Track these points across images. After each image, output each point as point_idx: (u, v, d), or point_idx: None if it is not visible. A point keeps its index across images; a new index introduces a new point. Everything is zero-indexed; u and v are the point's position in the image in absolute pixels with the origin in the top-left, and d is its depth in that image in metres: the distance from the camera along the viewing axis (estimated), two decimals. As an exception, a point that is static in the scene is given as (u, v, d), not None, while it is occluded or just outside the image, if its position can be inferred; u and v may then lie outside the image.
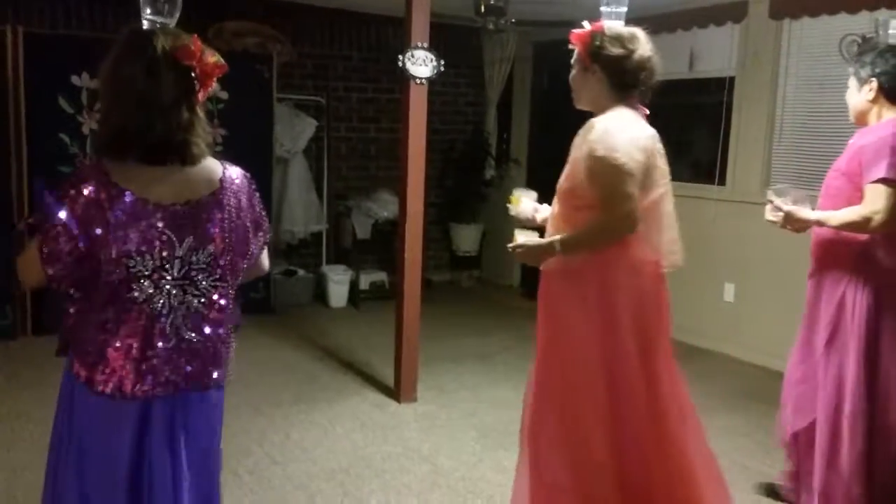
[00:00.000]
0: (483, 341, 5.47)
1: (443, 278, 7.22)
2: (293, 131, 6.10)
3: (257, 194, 1.87)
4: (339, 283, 6.29)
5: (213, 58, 1.69)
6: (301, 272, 6.41)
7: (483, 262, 7.39)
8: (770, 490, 3.23)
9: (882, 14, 4.11)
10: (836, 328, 2.74)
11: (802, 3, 4.70)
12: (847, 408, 2.69)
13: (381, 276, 6.52)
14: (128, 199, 1.63)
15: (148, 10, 1.71)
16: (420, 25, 3.95)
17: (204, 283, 1.75)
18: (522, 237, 2.46)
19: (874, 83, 2.70)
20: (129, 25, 1.74)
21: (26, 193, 5.05)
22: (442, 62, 4.01)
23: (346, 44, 6.56)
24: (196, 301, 1.75)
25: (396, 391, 4.27)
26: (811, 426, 2.83)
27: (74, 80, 5.13)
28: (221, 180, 1.77)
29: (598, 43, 2.34)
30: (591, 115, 2.44)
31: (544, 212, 2.67)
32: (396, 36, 5.70)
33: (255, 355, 4.75)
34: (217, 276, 1.76)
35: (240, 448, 3.53)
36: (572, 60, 2.45)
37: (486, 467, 3.50)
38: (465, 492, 3.28)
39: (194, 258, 1.72)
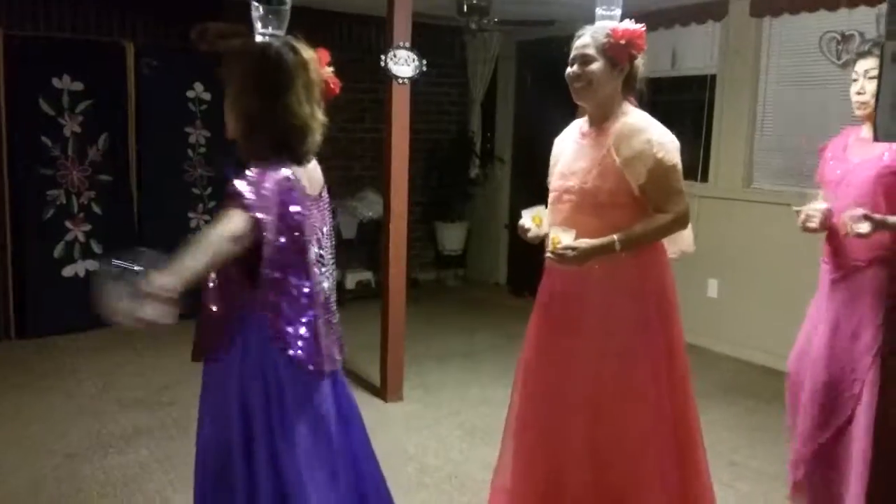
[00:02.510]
0: (469, 340, 5.48)
1: (428, 277, 7.23)
2: (277, 132, 6.07)
3: None
4: (324, 283, 6.27)
5: (329, 69, 1.94)
6: (287, 272, 6.38)
7: (468, 260, 7.40)
8: None
9: (876, 9, 4.08)
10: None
11: (783, 0, 4.74)
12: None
13: (367, 276, 6.53)
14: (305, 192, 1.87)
15: (260, 26, 1.87)
16: (402, 25, 3.95)
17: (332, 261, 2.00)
18: (566, 237, 2.34)
19: None
20: (255, 43, 1.87)
21: (7, 193, 5.03)
22: (424, 62, 4.02)
23: (329, 43, 6.48)
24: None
25: (382, 390, 4.27)
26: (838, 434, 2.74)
27: (55, 82, 5.11)
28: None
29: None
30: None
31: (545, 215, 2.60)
32: (380, 36, 5.70)
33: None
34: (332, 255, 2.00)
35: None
36: (591, 53, 2.40)
37: (473, 466, 3.51)
38: (451, 490, 3.28)
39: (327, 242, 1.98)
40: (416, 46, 3.99)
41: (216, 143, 5.51)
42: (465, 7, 4.99)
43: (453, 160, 7.12)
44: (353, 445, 2.06)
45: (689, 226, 2.48)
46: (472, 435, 3.85)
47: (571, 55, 2.48)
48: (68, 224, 5.22)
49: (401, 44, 3.94)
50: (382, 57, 3.93)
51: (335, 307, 1.98)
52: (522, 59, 6.96)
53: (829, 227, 2.73)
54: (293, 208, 1.81)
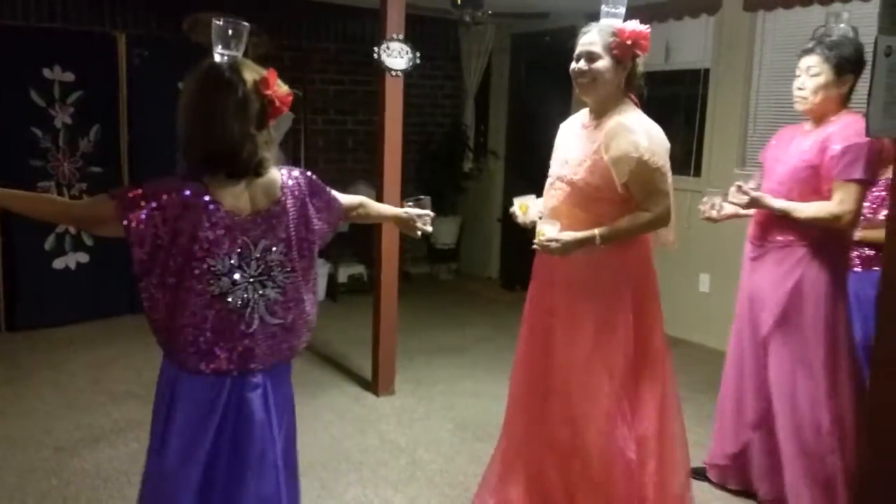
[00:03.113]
0: (461, 334, 5.48)
1: (421, 271, 7.22)
2: (269, 124, 6.05)
3: (319, 184, 2.11)
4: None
5: (283, 88, 1.94)
6: (279, 266, 6.37)
7: (461, 254, 7.39)
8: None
9: (836, 6, 4.26)
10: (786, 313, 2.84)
11: (776, -5, 4.73)
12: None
13: (359, 269, 6.51)
14: (221, 211, 1.87)
15: (220, 47, 1.89)
16: (395, 17, 3.94)
17: (280, 277, 1.98)
18: (551, 230, 2.47)
19: (850, 78, 2.75)
20: (207, 61, 1.91)
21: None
22: (418, 54, 4.00)
23: (322, 36, 6.52)
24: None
25: (374, 384, 4.27)
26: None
27: (46, 73, 5.08)
28: (282, 187, 1.98)
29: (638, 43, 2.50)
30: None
31: (539, 205, 2.74)
32: (373, 28, 5.68)
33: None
34: (289, 269, 1.99)
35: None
36: (597, 51, 2.49)
37: (464, 459, 3.51)
38: (442, 484, 3.28)
39: (269, 257, 1.95)
40: (410, 39, 3.98)
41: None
42: (459, -1, 4.98)
43: (446, 153, 7.10)
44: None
45: (672, 221, 2.57)
46: (464, 429, 3.85)
47: (577, 51, 2.56)
48: (59, 216, 5.19)
49: (394, 36, 3.93)
50: (375, 49, 3.91)
51: (253, 323, 1.93)
52: (517, 52, 6.94)
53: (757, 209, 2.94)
54: (182, 224, 1.84)
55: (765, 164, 3.03)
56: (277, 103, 1.91)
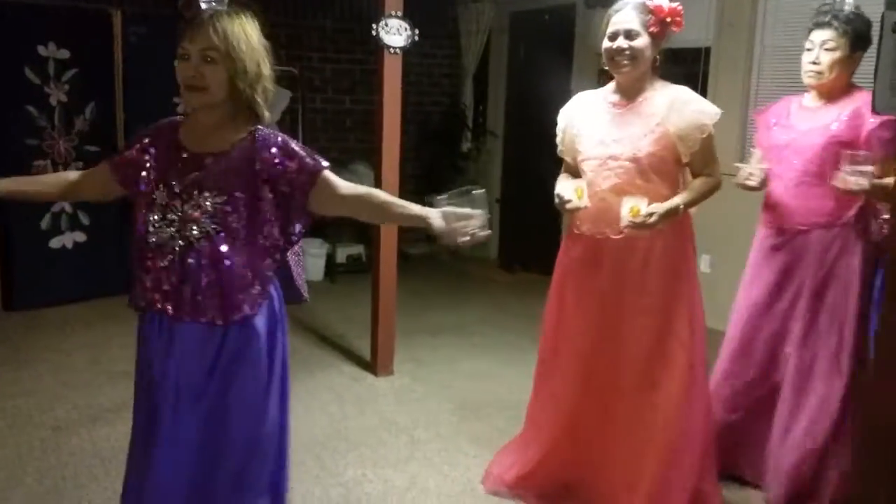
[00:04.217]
0: (460, 314, 5.47)
1: (420, 251, 7.18)
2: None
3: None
4: (315, 256, 6.25)
5: None
6: (277, 246, 6.34)
7: (460, 234, 7.36)
8: None
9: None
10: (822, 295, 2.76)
11: (779, -28, 4.68)
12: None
13: (357, 249, 6.49)
14: None
15: None
16: (394, -6, 3.89)
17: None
18: (643, 205, 2.47)
19: (860, 54, 2.71)
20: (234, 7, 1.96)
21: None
22: (416, 31, 3.96)
23: (319, 13, 6.46)
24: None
25: (373, 364, 4.26)
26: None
27: (41, 50, 5.02)
28: None
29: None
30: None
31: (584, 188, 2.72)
32: (371, 5, 5.62)
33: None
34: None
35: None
36: (636, 28, 2.53)
37: (463, 439, 3.51)
38: (441, 464, 3.28)
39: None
40: (408, 16, 3.93)
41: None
42: (459, -24, 4.93)
43: (445, 133, 7.06)
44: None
45: None
46: (463, 408, 3.85)
47: (611, 29, 2.58)
48: (55, 195, 5.16)
49: (392, 13, 3.88)
50: (374, 26, 3.87)
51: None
52: (515, 31, 6.87)
53: (770, 193, 2.87)
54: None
55: (773, 148, 2.89)
56: None
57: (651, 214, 2.45)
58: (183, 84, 1.89)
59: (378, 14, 3.90)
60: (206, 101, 1.90)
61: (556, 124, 2.87)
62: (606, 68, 2.67)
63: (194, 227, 1.89)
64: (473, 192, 1.98)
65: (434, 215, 1.96)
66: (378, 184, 4.08)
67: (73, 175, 2.19)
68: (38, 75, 5.02)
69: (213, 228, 1.90)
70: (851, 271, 2.72)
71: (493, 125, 7.14)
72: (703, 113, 2.54)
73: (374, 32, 3.86)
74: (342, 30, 6.60)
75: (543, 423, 2.91)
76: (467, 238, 1.95)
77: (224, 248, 1.91)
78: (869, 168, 2.50)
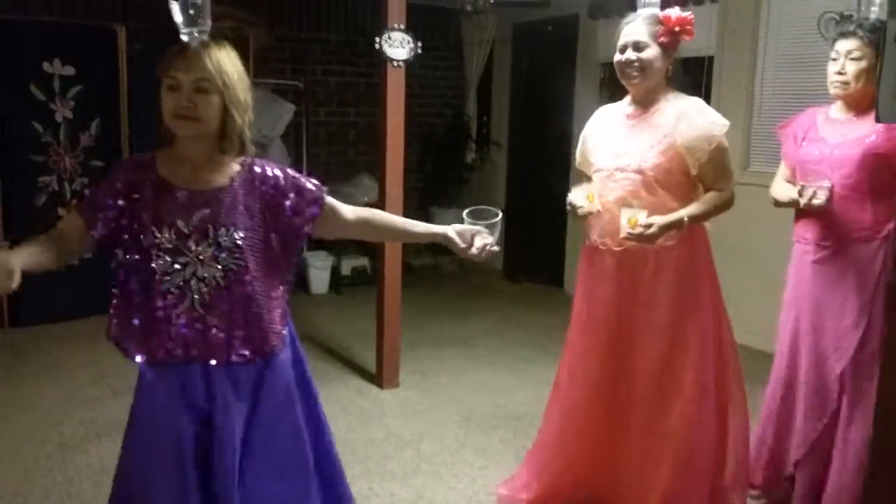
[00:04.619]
0: (464, 325, 5.46)
1: (424, 263, 7.19)
2: (271, 116, 6.03)
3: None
4: (320, 269, 6.26)
5: None
6: (282, 259, 6.35)
7: (465, 245, 7.35)
8: None
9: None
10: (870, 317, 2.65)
11: (781, -19, 4.69)
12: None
13: (362, 262, 6.49)
14: None
15: (185, 27, 1.84)
16: (396, 7, 3.90)
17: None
18: (643, 216, 2.46)
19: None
20: (221, 39, 1.90)
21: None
22: (420, 44, 3.97)
23: (324, 27, 6.49)
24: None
25: (378, 377, 4.25)
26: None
27: (46, 67, 5.05)
28: None
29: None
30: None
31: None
32: (374, 18, 5.66)
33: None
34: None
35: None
36: (644, 40, 2.52)
37: (469, 451, 3.50)
38: (448, 476, 3.27)
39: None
40: (411, 28, 3.94)
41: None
42: (461, -12, 4.95)
43: (449, 144, 7.08)
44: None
45: None
46: (469, 421, 3.83)
47: (621, 41, 2.58)
48: (61, 211, 5.17)
49: (395, 26, 3.89)
50: (377, 39, 3.88)
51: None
52: (518, 42, 6.89)
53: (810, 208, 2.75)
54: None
55: (807, 163, 2.79)
56: None
57: (650, 226, 2.43)
58: (174, 114, 1.83)
59: (381, 27, 3.91)
60: (199, 130, 1.84)
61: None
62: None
63: (215, 266, 1.84)
64: (492, 215, 2.10)
65: (451, 232, 2.08)
66: (382, 195, 4.09)
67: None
68: (43, 92, 5.05)
69: (235, 264, 1.85)
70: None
71: (496, 136, 7.15)
72: (711, 124, 2.50)
73: (377, 46, 3.87)
74: (346, 43, 6.63)
75: (557, 442, 2.89)
76: (478, 252, 2.07)
77: (247, 281, 1.87)
78: (825, 183, 2.59)
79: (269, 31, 5.88)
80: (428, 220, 7.14)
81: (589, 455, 2.80)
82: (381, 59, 3.92)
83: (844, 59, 2.67)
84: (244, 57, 1.94)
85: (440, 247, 2.09)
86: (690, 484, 2.59)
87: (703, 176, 2.54)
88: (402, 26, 3.91)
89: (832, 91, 2.74)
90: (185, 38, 1.83)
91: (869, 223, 2.65)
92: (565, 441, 2.85)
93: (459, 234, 2.08)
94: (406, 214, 4.19)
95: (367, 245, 6.21)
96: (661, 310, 2.59)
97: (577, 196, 2.68)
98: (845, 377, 2.70)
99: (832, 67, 2.71)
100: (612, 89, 2.78)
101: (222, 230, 1.84)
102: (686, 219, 2.49)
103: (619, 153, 2.61)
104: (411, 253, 6.78)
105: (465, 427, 3.77)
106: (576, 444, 2.82)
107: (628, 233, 2.47)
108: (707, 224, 2.66)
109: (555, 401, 2.93)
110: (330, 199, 1.99)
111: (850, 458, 2.68)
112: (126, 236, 1.88)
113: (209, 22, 1.86)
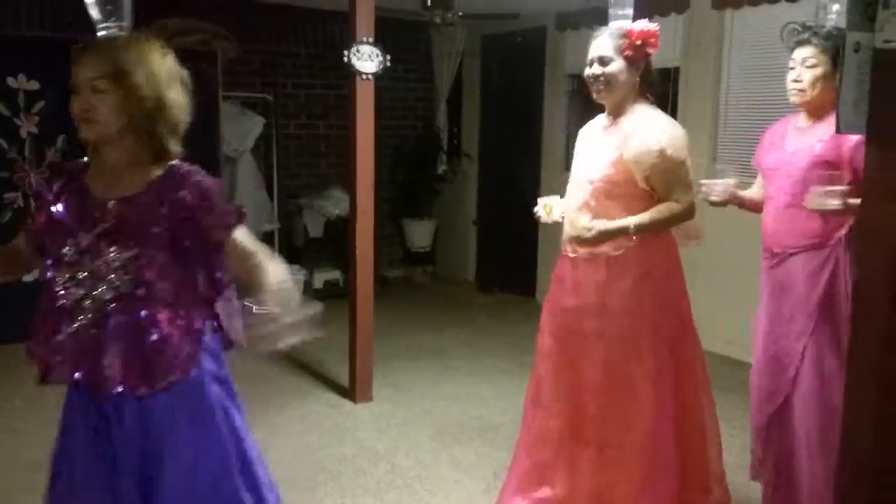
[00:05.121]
0: (438, 337, 5.45)
1: (397, 274, 7.18)
2: (240, 130, 5.99)
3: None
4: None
5: None
6: (253, 273, 6.30)
7: (437, 257, 7.37)
8: None
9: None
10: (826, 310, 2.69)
11: (744, -7, 4.76)
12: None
13: (335, 275, 6.46)
14: None
15: (101, 21, 1.78)
16: (364, 20, 3.90)
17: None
18: (584, 218, 2.53)
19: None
20: (156, 41, 1.83)
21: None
22: (388, 57, 3.97)
23: (292, 40, 6.47)
24: None
25: (351, 391, 4.23)
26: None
27: (10, 81, 4.97)
28: None
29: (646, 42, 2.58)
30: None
31: (562, 206, 2.78)
32: (344, 31, 5.65)
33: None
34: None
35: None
36: (609, 55, 2.56)
37: (443, 465, 3.49)
38: (422, 490, 3.26)
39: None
40: (380, 41, 3.95)
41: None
42: (429, 0, 4.96)
43: (420, 156, 7.08)
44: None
45: (696, 218, 2.66)
46: (443, 434, 3.82)
47: (589, 56, 2.63)
48: (27, 227, 5.10)
49: (364, 39, 3.90)
50: (345, 52, 3.88)
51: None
52: (488, 54, 6.92)
53: (763, 216, 2.82)
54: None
55: (766, 170, 2.87)
56: None
57: (590, 229, 2.49)
58: (76, 118, 1.75)
59: (350, 41, 3.91)
60: (100, 132, 1.74)
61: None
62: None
63: (105, 287, 1.70)
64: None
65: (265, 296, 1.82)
66: (353, 208, 4.08)
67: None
68: (7, 107, 4.98)
69: (128, 286, 1.70)
70: (848, 292, 2.63)
71: (467, 147, 7.17)
72: (652, 138, 2.50)
73: (345, 59, 3.87)
74: (316, 56, 6.61)
75: (531, 455, 2.86)
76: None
77: (143, 307, 1.71)
78: (840, 188, 2.48)
79: (238, 44, 5.86)
80: (400, 232, 7.18)
81: (560, 473, 2.76)
82: (351, 73, 3.92)
83: (801, 67, 2.71)
84: (213, 71, 1.92)
85: (413, 258, 2.05)
86: (653, 499, 2.59)
87: (655, 188, 2.55)
88: (371, 39, 3.91)
89: (791, 99, 2.78)
90: (101, 34, 1.77)
91: (818, 231, 2.67)
92: (539, 464, 2.82)
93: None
94: (378, 226, 4.22)
95: (340, 258, 6.20)
96: (614, 318, 2.59)
97: (538, 206, 2.79)
98: (795, 382, 2.75)
99: (790, 76, 2.76)
100: (580, 100, 2.80)
101: (114, 247, 1.71)
102: (633, 227, 2.50)
103: (588, 165, 2.67)
104: (384, 265, 6.77)
105: (439, 440, 3.76)
106: (542, 457, 2.80)
107: (568, 234, 2.58)
108: (674, 232, 2.67)
109: (523, 423, 2.91)
110: (238, 235, 1.82)
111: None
112: (48, 247, 1.79)
113: (128, 17, 1.79)
